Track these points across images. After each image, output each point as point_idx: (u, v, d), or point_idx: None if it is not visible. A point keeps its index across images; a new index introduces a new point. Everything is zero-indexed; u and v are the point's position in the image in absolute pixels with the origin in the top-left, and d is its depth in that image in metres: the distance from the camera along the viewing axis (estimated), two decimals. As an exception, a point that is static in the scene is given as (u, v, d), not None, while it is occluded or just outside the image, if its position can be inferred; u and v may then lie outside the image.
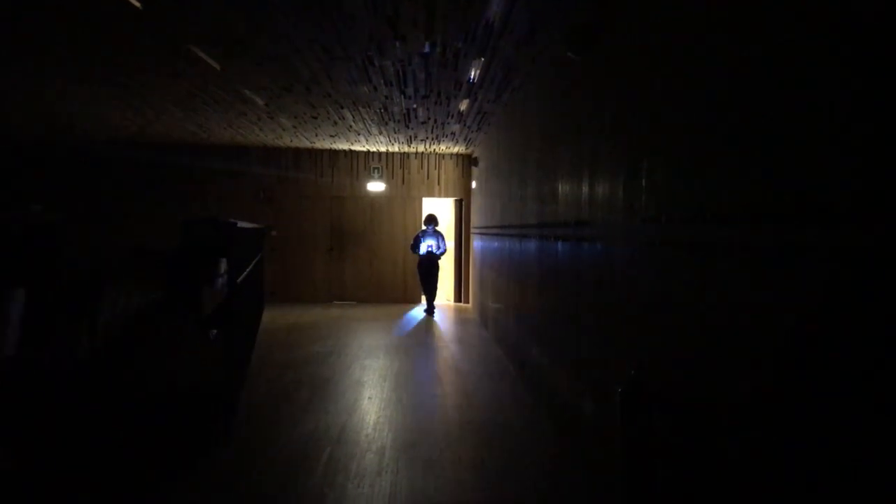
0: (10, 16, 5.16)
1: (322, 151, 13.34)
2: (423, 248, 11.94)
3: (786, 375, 1.95)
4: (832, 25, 1.78)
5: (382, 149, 12.95)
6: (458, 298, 13.89)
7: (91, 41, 5.75)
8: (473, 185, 12.89)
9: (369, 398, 6.11)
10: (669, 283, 2.90)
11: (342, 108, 8.65)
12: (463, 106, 8.29)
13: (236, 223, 5.61)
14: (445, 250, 12.21)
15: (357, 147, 12.73)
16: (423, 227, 12.31)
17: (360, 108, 8.70)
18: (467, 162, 13.51)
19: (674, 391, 2.81)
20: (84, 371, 3.37)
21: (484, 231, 10.77)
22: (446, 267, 14.29)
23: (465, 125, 9.82)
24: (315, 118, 9.53)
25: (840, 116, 1.74)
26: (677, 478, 2.75)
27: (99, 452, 3.98)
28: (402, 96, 7.84)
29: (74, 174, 12.68)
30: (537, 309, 6.03)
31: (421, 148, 12.69)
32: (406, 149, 12.88)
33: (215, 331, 5.00)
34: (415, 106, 8.44)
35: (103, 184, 12.77)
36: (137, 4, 4.75)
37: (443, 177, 13.65)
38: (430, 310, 12.09)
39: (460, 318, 11.82)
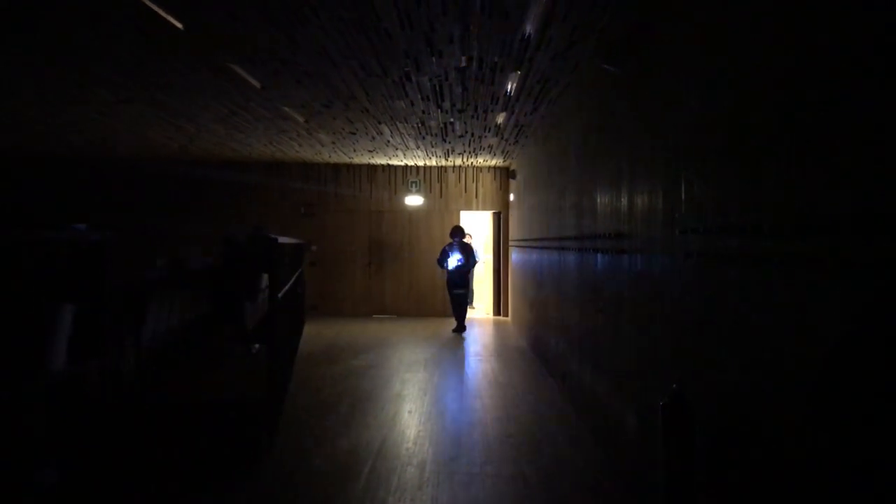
0: (54, 37, 5.32)
1: (361, 166, 13.45)
2: (450, 263, 11.34)
3: (831, 390, 1.90)
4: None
5: (420, 163, 13.02)
6: (497, 312, 13.84)
7: (134, 61, 5.91)
8: (511, 197, 12.87)
9: (409, 412, 6.12)
10: (710, 295, 2.85)
11: (380, 123, 8.72)
12: (500, 119, 8.30)
13: (277, 238, 5.68)
14: (475, 263, 11.64)
15: (395, 161, 12.82)
16: (450, 240, 11.61)
17: (398, 123, 8.76)
18: (505, 174, 13.50)
19: (716, 404, 2.76)
20: (129, 385, 3.43)
21: (522, 244, 10.73)
22: (485, 280, 14.25)
23: (502, 138, 9.82)
24: (353, 134, 9.62)
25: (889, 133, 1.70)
26: (719, 493, 2.69)
27: (143, 465, 4.04)
28: (440, 111, 7.88)
29: (118, 192, 12.97)
30: (577, 321, 5.99)
31: (458, 161, 12.72)
32: (444, 162, 12.92)
33: (257, 345, 5.06)
34: (452, 120, 8.47)
35: (147, 201, 13.04)
36: (179, 25, 4.86)
37: (480, 190, 13.66)
38: (459, 327, 11.40)
39: (499, 332, 11.77)
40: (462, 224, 12.80)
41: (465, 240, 11.64)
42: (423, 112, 7.97)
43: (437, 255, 12.07)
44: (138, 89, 6.97)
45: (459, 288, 11.41)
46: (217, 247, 5.46)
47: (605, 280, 4.88)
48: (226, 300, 5.18)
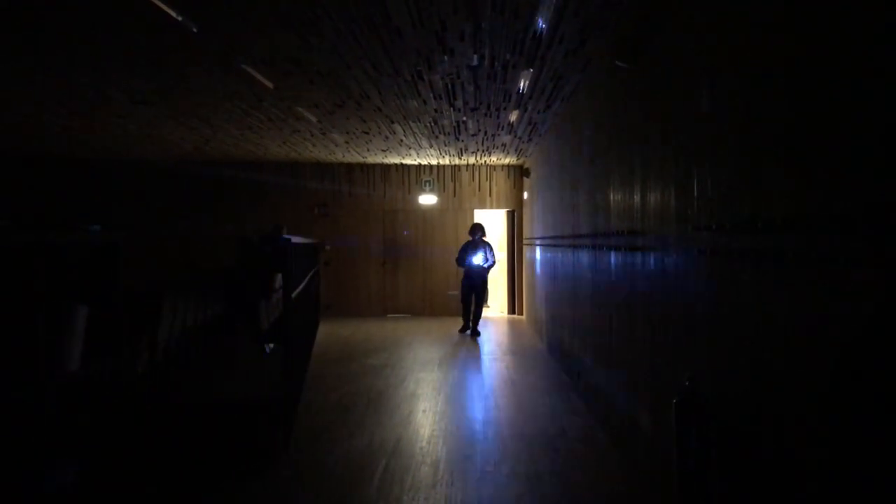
0: (69, 40, 5.37)
1: (374, 166, 13.47)
2: (476, 260, 10.85)
3: (844, 386, 1.88)
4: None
5: (433, 161, 13.02)
6: (511, 310, 13.82)
7: (148, 63, 5.95)
8: (525, 195, 12.84)
9: (423, 411, 6.12)
10: (723, 293, 2.83)
11: (393, 122, 8.73)
12: (513, 117, 8.29)
13: (290, 238, 5.71)
14: (494, 262, 11.25)
15: (408, 161, 12.82)
16: (469, 238, 11.20)
17: (411, 122, 8.77)
18: (519, 173, 13.47)
19: (729, 401, 2.74)
20: (144, 385, 3.46)
21: (536, 242, 10.71)
22: (499, 278, 14.21)
23: (515, 136, 9.81)
24: (366, 133, 9.64)
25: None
26: (733, 490, 2.67)
27: (158, 465, 4.08)
28: (452, 109, 7.88)
29: (133, 193, 13.07)
30: (591, 319, 5.97)
31: (472, 160, 12.71)
32: (457, 161, 12.91)
33: (272, 345, 5.09)
34: (465, 118, 8.47)
35: (161, 201, 13.13)
36: (193, 27, 4.89)
37: (494, 188, 13.64)
38: (473, 331, 10.97)
39: (514, 330, 11.76)
40: (478, 221, 12.56)
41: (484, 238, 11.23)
42: (436, 111, 7.97)
43: (451, 253, 11.81)
44: (153, 91, 7.02)
45: (477, 288, 10.98)
46: (231, 246, 5.49)
47: (619, 277, 4.86)
48: (240, 300, 5.21)
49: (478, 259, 10.89)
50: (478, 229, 11.18)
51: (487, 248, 11.10)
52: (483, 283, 11.15)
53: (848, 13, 1.92)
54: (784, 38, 2.30)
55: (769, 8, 2.43)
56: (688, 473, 2.72)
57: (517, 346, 9.94)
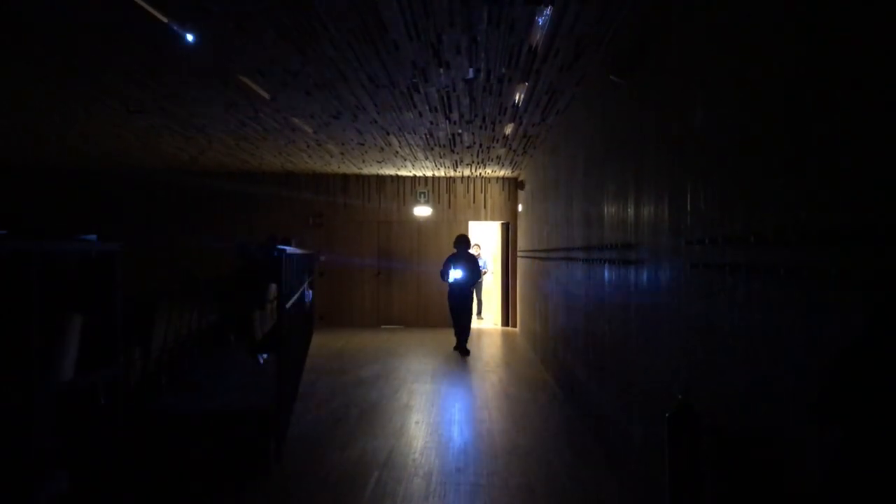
0: (66, 49, 5.38)
1: (369, 177, 13.50)
2: (451, 276, 10.27)
3: (835, 398, 1.90)
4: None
5: (428, 173, 13.05)
6: (505, 322, 13.82)
7: (145, 73, 5.96)
8: (520, 208, 12.87)
9: (416, 422, 6.11)
10: (715, 306, 2.85)
11: (388, 134, 8.76)
12: (508, 130, 8.32)
13: (286, 249, 5.71)
14: (480, 276, 10.63)
15: (403, 172, 12.86)
16: (454, 250, 10.54)
17: (406, 134, 8.80)
18: (513, 185, 13.51)
19: (722, 415, 2.75)
20: (138, 394, 3.45)
21: (530, 254, 10.72)
22: (493, 291, 14.21)
23: (510, 149, 9.84)
24: (362, 144, 9.67)
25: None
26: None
27: (151, 474, 4.06)
28: (447, 122, 7.91)
29: (128, 202, 13.07)
30: (584, 332, 5.98)
31: (467, 172, 12.74)
32: (452, 173, 12.95)
33: (266, 355, 5.08)
34: (460, 131, 8.50)
35: (156, 211, 13.14)
36: (189, 37, 4.91)
37: (489, 200, 13.67)
38: (461, 348, 10.28)
39: (508, 343, 11.75)
40: (469, 233, 12.24)
41: (471, 250, 10.75)
42: (432, 123, 8.01)
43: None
44: (149, 100, 7.03)
45: (460, 303, 10.34)
46: (226, 256, 5.49)
47: (613, 290, 4.88)
48: (235, 310, 5.20)
49: (457, 273, 10.29)
50: (462, 241, 10.56)
51: (472, 261, 10.57)
52: (466, 298, 10.47)
53: (837, 31, 1.95)
54: (777, 56, 2.33)
55: (761, 25, 2.46)
56: (680, 487, 2.73)
57: (511, 359, 9.94)
